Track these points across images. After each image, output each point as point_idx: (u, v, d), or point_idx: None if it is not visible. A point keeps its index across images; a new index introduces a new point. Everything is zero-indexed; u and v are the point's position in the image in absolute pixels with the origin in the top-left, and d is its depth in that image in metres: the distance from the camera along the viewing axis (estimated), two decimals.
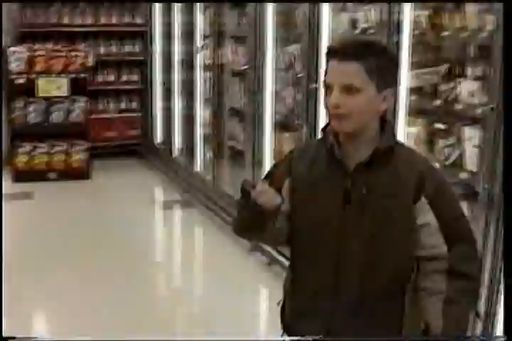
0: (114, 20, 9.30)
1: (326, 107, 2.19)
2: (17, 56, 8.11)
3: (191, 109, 7.80)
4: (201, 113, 7.55)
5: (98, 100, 9.40)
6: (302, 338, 2.21)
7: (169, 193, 7.88)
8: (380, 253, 2.19)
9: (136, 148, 9.56)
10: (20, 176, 8.21)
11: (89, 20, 9.16)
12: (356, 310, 2.19)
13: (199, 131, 7.66)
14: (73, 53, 8.35)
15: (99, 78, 9.36)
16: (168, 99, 8.57)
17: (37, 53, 8.20)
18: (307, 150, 2.37)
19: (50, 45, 8.49)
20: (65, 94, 8.26)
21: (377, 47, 2.21)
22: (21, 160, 8.25)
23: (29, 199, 7.56)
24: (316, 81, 4.77)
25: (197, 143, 7.71)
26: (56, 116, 8.28)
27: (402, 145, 2.29)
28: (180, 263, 6.32)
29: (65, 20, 9.03)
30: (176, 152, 8.44)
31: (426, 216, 2.17)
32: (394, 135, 2.29)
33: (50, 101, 8.23)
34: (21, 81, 8.11)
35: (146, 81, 9.39)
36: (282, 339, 2.38)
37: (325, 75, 2.18)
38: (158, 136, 9.17)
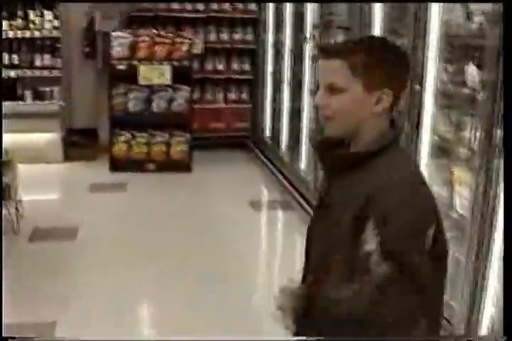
0: (225, 6, 8.82)
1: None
2: (120, 41, 7.81)
3: (299, 101, 7.29)
4: (308, 106, 7.00)
5: (206, 89, 9.01)
6: (302, 338, 2.09)
7: (271, 192, 7.52)
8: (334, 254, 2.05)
9: (244, 140, 9.13)
10: (117, 165, 7.96)
11: (199, 6, 8.72)
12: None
13: (305, 126, 7.13)
14: (179, 40, 7.96)
15: (208, 66, 8.96)
16: (278, 91, 8.10)
17: (140, 39, 7.87)
18: None
19: (154, 31, 8.12)
20: (168, 83, 7.90)
21: (369, 44, 2.06)
22: (120, 148, 7.96)
23: (123, 191, 7.38)
24: (421, 81, 4.15)
25: (302, 139, 7.18)
26: (157, 105, 7.94)
27: (389, 155, 2.03)
28: (276, 268, 5.98)
29: (175, 6, 8.65)
30: (283, 148, 7.91)
31: (370, 243, 1.91)
32: (386, 139, 2.04)
33: (151, 89, 7.90)
34: (122, 67, 7.81)
35: (257, 71, 8.91)
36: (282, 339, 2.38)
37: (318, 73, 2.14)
38: (268, 130, 8.68)
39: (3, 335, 2.68)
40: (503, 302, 2.17)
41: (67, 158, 8.20)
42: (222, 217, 6.62)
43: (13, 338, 2.15)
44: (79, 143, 8.38)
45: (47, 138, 8.01)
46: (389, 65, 2.02)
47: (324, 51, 2.04)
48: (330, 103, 2.01)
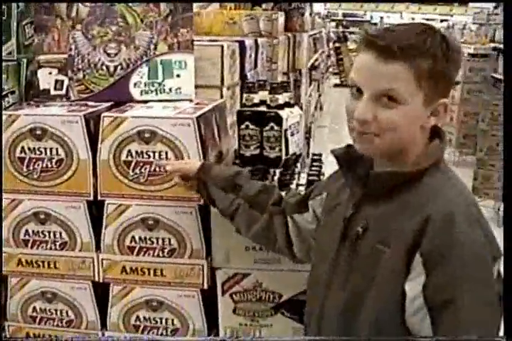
0: None
1: (351, 116, 1.68)
2: None
3: None
4: None
5: None
6: (299, 338, 2.03)
7: None
8: (363, 313, 1.66)
9: None
10: None
11: None
12: None
13: None
14: None
15: None
16: None
17: None
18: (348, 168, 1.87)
19: None
20: None
21: (435, 43, 1.59)
22: None
23: None
24: None
25: None
26: None
27: (440, 174, 1.69)
28: None
29: None
30: None
31: (415, 281, 1.55)
32: (435, 155, 1.70)
33: None
34: None
35: None
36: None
37: (354, 71, 1.67)
38: None
39: (2, 337, 2.60)
40: (503, 302, 2.08)
41: None
42: None
43: (13, 338, 2.07)
44: None
45: None
46: (453, 70, 1.65)
47: (381, 46, 1.58)
48: (379, 118, 1.60)
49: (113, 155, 2.52)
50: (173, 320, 2.66)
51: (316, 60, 10.96)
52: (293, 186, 2.57)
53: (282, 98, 2.70)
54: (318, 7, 17.04)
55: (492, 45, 9.92)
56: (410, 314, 1.55)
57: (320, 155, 3.02)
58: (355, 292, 1.67)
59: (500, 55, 8.98)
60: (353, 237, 1.70)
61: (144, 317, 2.68)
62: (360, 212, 1.71)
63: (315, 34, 10.77)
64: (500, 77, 8.57)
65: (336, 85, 19.48)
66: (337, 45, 20.27)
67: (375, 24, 24.08)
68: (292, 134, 2.71)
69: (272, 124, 2.68)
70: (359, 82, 1.63)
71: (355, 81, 1.64)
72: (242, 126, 2.75)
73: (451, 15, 19.37)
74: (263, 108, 2.73)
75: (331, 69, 19.72)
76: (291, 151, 2.73)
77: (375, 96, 1.60)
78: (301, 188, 2.56)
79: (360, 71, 1.63)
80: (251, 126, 2.72)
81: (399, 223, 1.60)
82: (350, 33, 23.26)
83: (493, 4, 10.77)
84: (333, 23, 22.77)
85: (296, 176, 2.70)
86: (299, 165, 2.84)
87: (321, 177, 2.70)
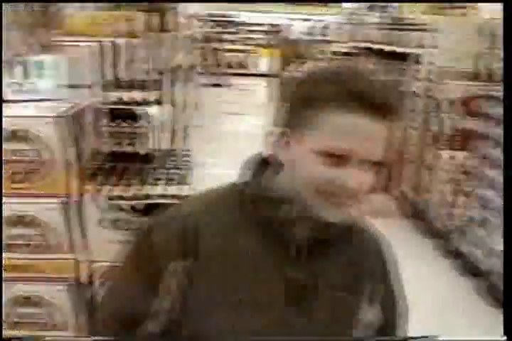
0: None
1: (328, 184, 1.36)
2: None
3: None
4: None
5: None
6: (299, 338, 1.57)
7: None
8: None
9: None
10: None
11: None
12: None
13: None
14: None
15: None
16: None
17: None
18: (216, 213, 1.48)
19: None
20: None
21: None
22: None
23: None
24: None
25: None
26: None
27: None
28: None
29: None
30: None
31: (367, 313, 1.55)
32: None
33: None
34: None
35: None
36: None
37: (339, 137, 1.33)
38: None
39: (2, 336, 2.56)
40: (503, 302, 2.17)
41: None
42: None
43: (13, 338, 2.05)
44: None
45: None
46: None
47: (381, 107, 1.32)
48: (366, 182, 1.37)
49: None
50: (51, 315, 2.70)
51: (191, 59, 11.06)
52: (163, 181, 2.67)
53: (151, 96, 2.80)
54: (195, 8, 17.09)
55: (363, 44, 10.28)
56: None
57: (188, 150, 3.12)
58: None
59: (372, 54, 9.32)
60: (306, 298, 1.46)
61: (23, 313, 2.72)
62: (303, 269, 1.46)
63: (191, 34, 10.85)
64: None
65: (213, 85, 19.59)
66: (208, 45, 20.37)
67: (249, 25, 24.37)
68: (163, 131, 2.81)
69: (141, 122, 2.78)
70: (351, 149, 1.33)
71: (343, 149, 1.33)
72: (113, 124, 2.83)
73: (322, 16, 19.82)
74: (134, 106, 2.82)
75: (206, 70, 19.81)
76: (162, 147, 2.82)
77: (363, 161, 1.34)
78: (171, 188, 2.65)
79: (350, 136, 1.32)
80: (122, 124, 2.80)
81: (343, 267, 1.52)
82: (227, 33, 23.46)
83: (368, 4, 11.07)
84: (210, 24, 22.89)
85: (166, 171, 2.80)
86: (170, 160, 2.93)
87: (190, 171, 2.80)
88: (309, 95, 1.37)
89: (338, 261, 1.51)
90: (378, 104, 1.32)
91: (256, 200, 1.45)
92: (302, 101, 1.38)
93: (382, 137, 1.34)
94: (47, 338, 2.49)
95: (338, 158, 1.34)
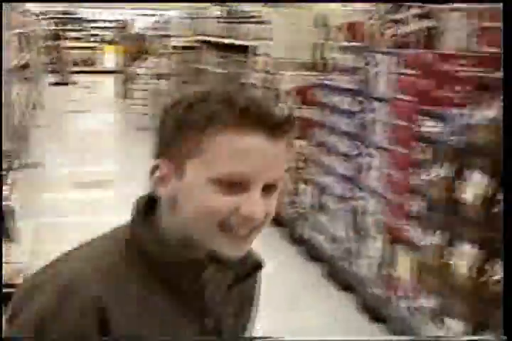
0: None
1: (223, 214, 1.21)
2: None
3: None
4: None
5: None
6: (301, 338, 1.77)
7: None
8: None
9: None
10: None
11: None
12: None
13: None
14: None
15: None
16: None
17: None
18: (117, 277, 1.24)
19: None
20: None
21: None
22: None
23: None
24: None
25: None
26: None
27: None
28: None
29: None
30: None
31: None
32: None
33: None
34: None
35: None
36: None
37: (234, 161, 1.18)
38: None
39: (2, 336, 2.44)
40: (503, 302, 2.20)
41: None
42: None
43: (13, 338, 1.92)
44: None
45: None
46: None
47: (277, 126, 1.20)
48: (269, 210, 1.24)
49: None
50: None
51: (28, 58, 10.74)
52: None
53: None
54: (30, 4, 16.63)
55: (198, 38, 10.36)
56: None
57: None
58: None
59: (212, 47, 9.40)
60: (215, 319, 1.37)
61: None
62: (221, 298, 1.37)
63: (26, 32, 10.56)
64: (203, 67, 9.10)
65: (54, 84, 19.12)
66: (53, 42, 19.90)
67: (94, 21, 23.99)
68: None
69: None
70: (249, 174, 1.19)
71: (241, 173, 1.19)
72: None
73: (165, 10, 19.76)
74: None
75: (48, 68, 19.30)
76: None
77: (264, 184, 1.21)
78: None
79: (248, 159, 1.18)
80: None
81: (242, 297, 1.46)
82: (67, 30, 22.98)
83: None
84: (50, 21, 22.34)
85: None
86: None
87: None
88: (190, 118, 1.20)
89: (241, 293, 1.43)
90: (274, 125, 1.19)
91: (151, 251, 1.25)
92: (183, 125, 1.21)
93: (281, 156, 1.23)
94: None
95: (238, 185, 1.19)
